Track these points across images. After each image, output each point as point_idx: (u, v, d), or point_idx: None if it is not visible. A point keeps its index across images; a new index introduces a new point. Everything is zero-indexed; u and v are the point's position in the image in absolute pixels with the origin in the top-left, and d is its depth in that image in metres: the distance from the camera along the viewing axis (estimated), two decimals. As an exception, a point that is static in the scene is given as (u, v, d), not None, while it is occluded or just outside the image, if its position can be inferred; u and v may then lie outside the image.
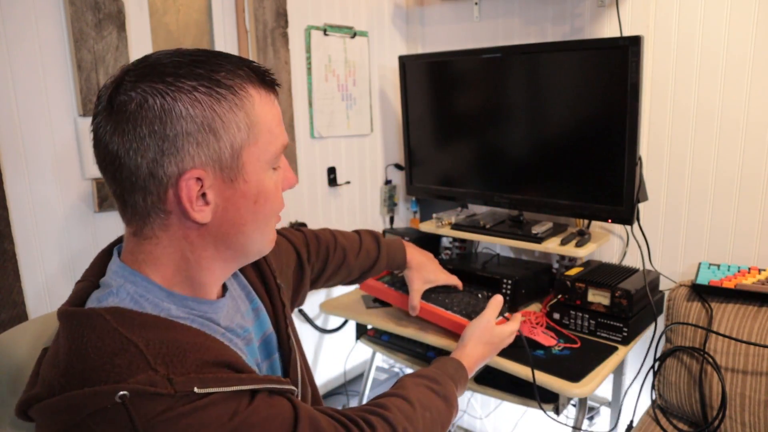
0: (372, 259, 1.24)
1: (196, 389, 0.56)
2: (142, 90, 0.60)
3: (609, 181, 1.43)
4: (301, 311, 1.87)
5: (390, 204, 2.10)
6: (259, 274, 0.87)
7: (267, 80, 0.67)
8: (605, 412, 1.69)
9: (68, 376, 0.56)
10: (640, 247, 1.57)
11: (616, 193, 1.42)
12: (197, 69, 0.61)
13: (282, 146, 0.69)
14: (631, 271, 1.46)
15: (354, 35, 1.89)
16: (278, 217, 0.74)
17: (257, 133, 0.65)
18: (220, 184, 0.63)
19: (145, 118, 0.59)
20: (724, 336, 1.28)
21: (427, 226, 1.83)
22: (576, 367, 1.24)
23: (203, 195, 0.63)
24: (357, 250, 1.21)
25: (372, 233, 1.28)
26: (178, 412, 0.55)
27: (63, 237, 1.27)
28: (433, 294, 1.52)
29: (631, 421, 1.41)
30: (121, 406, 0.53)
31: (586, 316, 1.39)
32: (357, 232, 1.25)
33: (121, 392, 0.53)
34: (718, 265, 1.45)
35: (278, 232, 1.07)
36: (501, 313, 1.30)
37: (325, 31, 1.79)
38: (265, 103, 0.66)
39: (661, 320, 1.49)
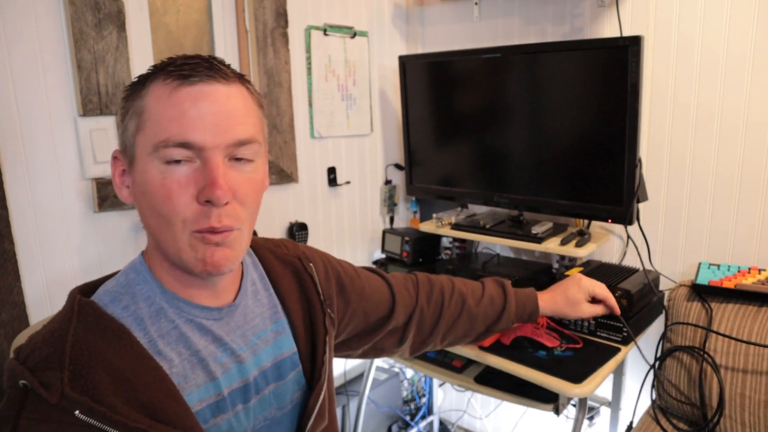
0: (498, 308, 1.09)
1: (77, 413, 0.55)
2: None
3: (609, 181, 1.43)
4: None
5: (390, 204, 2.10)
6: (301, 293, 0.83)
7: (174, 73, 0.63)
8: (605, 412, 1.69)
9: (25, 344, 0.62)
10: (639, 247, 1.57)
11: (616, 193, 1.42)
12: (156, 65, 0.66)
13: (173, 141, 0.61)
14: (631, 271, 1.46)
15: (354, 35, 1.89)
16: (200, 234, 0.64)
17: (145, 120, 0.63)
18: (128, 168, 0.67)
19: None
20: (724, 336, 1.28)
21: (427, 226, 1.83)
22: (578, 367, 1.24)
23: (128, 177, 0.67)
24: (479, 297, 1.07)
25: (496, 279, 1.13)
26: (47, 420, 0.55)
27: (63, 237, 1.27)
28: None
29: (631, 421, 1.41)
30: (21, 391, 0.56)
31: (586, 316, 1.39)
32: (480, 281, 1.11)
33: (21, 381, 0.56)
34: (718, 265, 1.45)
35: (375, 272, 1.02)
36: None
37: (325, 31, 1.79)
38: (163, 93, 0.63)
39: (661, 320, 1.49)
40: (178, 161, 0.62)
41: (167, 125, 0.62)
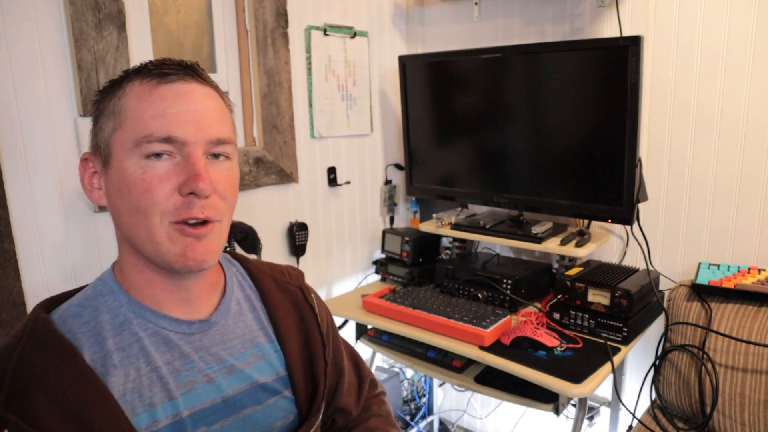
0: None
1: None
2: None
3: (609, 181, 1.43)
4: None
5: (390, 204, 2.10)
6: (300, 322, 0.81)
7: (153, 72, 0.65)
8: (605, 412, 1.69)
9: None
10: (640, 246, 1.57)
11: (616, 193, 1.42)
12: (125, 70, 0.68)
13: (156, 136, 0.62)
14: (631, 271, 1.46)
15: (354, 35, 1.89)
16: (179, 226, 0.64)
17: (123, 119, 0.64)
18: (101, 169, 0.67)
19: None
20: (723, 335, 1.28)
21: (427, 226, 1.83)
22: (578, 367, 1.24)
23: (100, 179, 0.68)
24: None
25: None
26: None
27: (63, 237, 1.27)
28: (434, 305, 1.52)
29: (631, 422, 1.41)
30: None
31: (586, 316, 1.40)
32: None
33: None
34: (718, 265, 1.45)
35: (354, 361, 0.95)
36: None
37: (325, 31, 1.79)
38: (142, 92, 0.64)
39: (661, 320, 1.49)
40: (158, 155, 0.63)
41: (149, 121, 0.63)
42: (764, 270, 1.38)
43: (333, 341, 0.88)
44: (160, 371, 0.65)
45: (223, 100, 0.70)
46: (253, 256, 1.21)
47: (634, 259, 1.63)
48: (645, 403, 1.53)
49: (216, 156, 0.67)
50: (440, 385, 2.22)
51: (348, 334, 2.06)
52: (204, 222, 0.65)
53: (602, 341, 1.35)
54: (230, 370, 0.71)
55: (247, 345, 0.74)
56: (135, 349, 0.65)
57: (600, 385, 1.23)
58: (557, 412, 1.30)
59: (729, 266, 1.43)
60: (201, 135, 0.64)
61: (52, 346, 0.61)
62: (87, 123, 1.27)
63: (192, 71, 0.67)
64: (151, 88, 0.64)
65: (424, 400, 2.22)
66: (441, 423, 2.25)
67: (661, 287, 1.51)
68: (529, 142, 1.60)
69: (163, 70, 0.65)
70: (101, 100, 0.67)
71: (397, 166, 2.13)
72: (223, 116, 0.68)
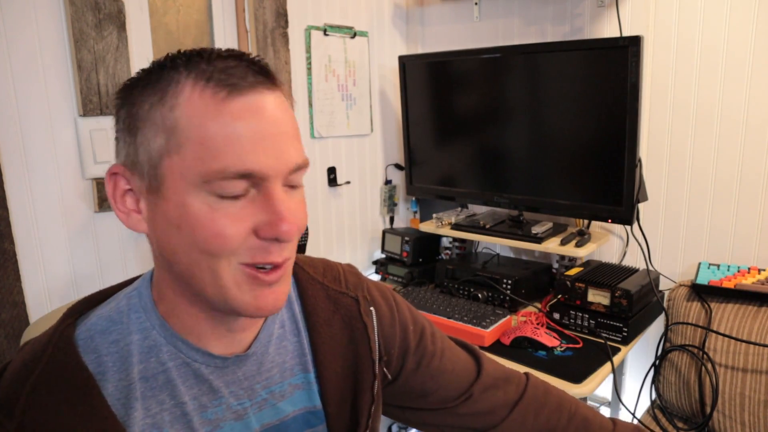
0: None
1: None
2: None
3: (609, 181, 1.43)
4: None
5: (390, 204, 2.10)
6: (349, 344, 0.68)
7: (216, 78, 0.51)
8: (605, 412, 1.69)
9: (17, 357, 0.57)
10: (640, 247, 1.57)
11: (616, 193, 1.42)
12: (165, 59, 0.53)
13: (233, 171, 0.50)
14: (631, 271, 1.46)
15: (354, 35, 1.89)
16: (250, 270, 0.53)
17: (180, 142, 0.50)
18: (146, 193, 0.53)
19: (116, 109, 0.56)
20: (723, 335, 1.28)
21: (427, 226, 1.83)
22: (577, 367, 1.24)
23: (138, 201, 0.55)
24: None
25: (636, 427, 0.79)
26: None
27: (63, 237, 1.27)
28: (434, 305, 1.52)
29: (631, 421, 1.41)
30: None
31: (586, 316, 1.39)
32: (612, 419, 0.80)
33: None
34: (718, 265, 1.45)
35: (465, 347, 0.80)
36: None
37: (325, 31, 1.79)
38: (206, 107, 0.50)
39: (661, 320, 1.49)
40: (235, 197, 0.51)
41: (222, 151, 0.50)
42: (764, 270, 1.38)
43: (427, 356, 0.74)
44: (184, 407, 0.57)
45: (290, 105, 0.57)
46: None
47: (634, 259, 1.63)
48: (645, 403, 1.53)
49: (292, 186, 0.55)
50: (440, 385, 2.21)
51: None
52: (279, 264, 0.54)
53: (602, 341, 1.35)
54: (262, 405, 0.62)
55: (286, 374, 0.65)
56: (160, 380, 0.57)
57: (600, 385, 1.23)
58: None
59: (729, 266, 1.43)
60: (281, 165, 0.52)
61: (69, 378, 0.54)
62: (87, 123, 1.27)
63: (263, 74, 0.53)
64: (218, 102, 0.50)
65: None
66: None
67: (661, 287, 1.51)
68: (529, 142, 1.60)
69: (231, 75, 0.51)
70: (134, 102, 0.53)
71: (397, 166, 2.13)
72: (296, 131, 0.56)
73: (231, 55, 0.53)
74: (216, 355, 0.59)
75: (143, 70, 0.54)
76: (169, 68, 0.52)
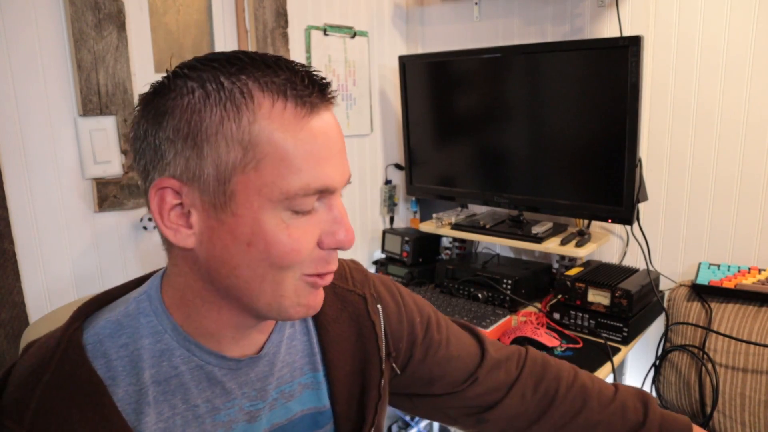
0: (631, 424, 0.76)
1: None
2: (172, 83, 0.52)
3: (609, 181, 1.43)
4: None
5: (390, 204, 2.10)
6: (357, 342, 0.69)
7: (295, 96, 0.51)
8: (605, 412, 1.69)
9: (21, 359, 0.57)
10: (640, 247, 1.57)
11: (616, 193, 1.42)
12: (218, 64, 0.51)
13: (312, 187, 0.51)
14: (631, 271, 1.46)
15: (354, 35, 1.89)
16: (311, 278, 0.55)
17: (259, 159, 0.50)
18: (206, 209, 0.52)
19: (147, 114, 0.52)
20: (724, 335, 1.28)
21: (427, 226, 1.83)
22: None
23: (186, 214, 0.53)
24: (608, 401, 0.77)
25: (637, 391, 0.80)
26: None
27: (63, 237, 1.27)
28: (434, 305, 1.53)
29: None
30: None
31: (586, 316, 1.40)
32: (614, 384, 0.81)
33: None
34: (718, 265, 1.45)
35: (468, 329, 0.82)
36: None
37: (325, 31, 1.79)
38: (287, 123, 0.50)
39: (661, 320, 1.49)
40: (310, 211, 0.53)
41: (303, 169, 0.51)
42: (764, 270, 1.38)
43: (435, 345, 0.76)
44: (197, 410, 0.57)
45: None
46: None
47: (634, 260, 1.63)
48: (645, 403, 1.53)
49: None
50: (440, 385, 2.21)
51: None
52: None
53: (602, 341, 1.35)
54: (273, 405, 0.63)
55: (296, 373, 0.65)
56: (173, 384, 0.57)
57: (600, 385, 1.23)
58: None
59: (729, 266, 1.43)
60: (344, 179, 0.55)
61: (79, 383, 0.53)
62: (87, 123, 1.27)
63: (328, 89, 0.54)
64: (299, 120, 0.51)
65: (424, 400, 2.21)
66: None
67: (661, 287, 1.51)
68: (529, 142, 1.60)
69: (306, 92, 0.52)
70: (196, 110, 0.50)
71: (397, 166, 2.13)
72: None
73: (300, 69, 0.53)
74: (230, 357, 0.59)
75: (176, 78, 0.52)
76: (234, 79, 0.50)
